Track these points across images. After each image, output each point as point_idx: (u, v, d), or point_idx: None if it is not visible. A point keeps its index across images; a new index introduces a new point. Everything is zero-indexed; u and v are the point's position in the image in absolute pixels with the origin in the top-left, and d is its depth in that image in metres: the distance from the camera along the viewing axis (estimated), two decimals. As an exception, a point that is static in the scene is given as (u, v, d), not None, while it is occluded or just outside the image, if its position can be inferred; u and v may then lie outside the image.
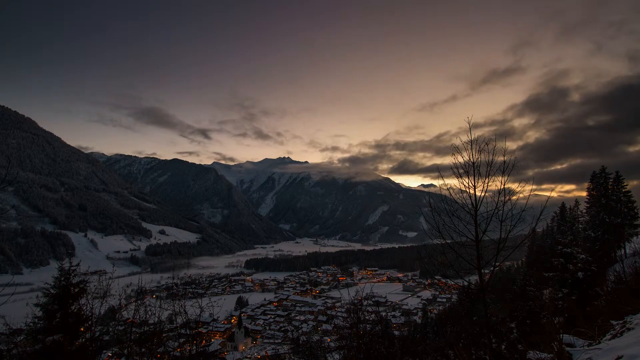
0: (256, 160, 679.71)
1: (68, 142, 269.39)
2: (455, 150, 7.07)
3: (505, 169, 6.73)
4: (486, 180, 6.87)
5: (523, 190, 6.84)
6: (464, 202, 7.06)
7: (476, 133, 6.93)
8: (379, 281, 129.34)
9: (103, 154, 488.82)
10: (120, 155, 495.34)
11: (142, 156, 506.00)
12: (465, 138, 6.97)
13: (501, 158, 6.78)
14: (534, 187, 6.88)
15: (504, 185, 6.78)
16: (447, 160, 7.34)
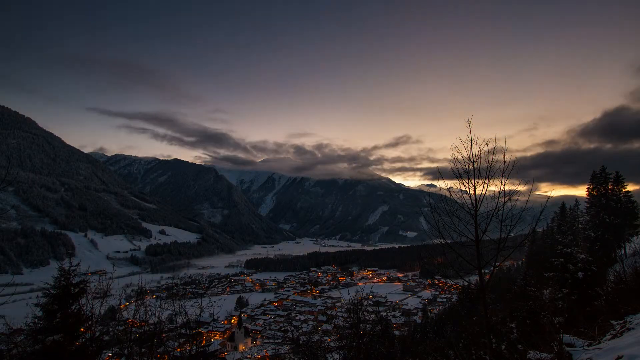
0: (256, 160, 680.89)
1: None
2: (455, 149, 7.06)
3: (506, 169, 6.72)
4: (486, 180, 6.86)
5: (523, 191, 6.83)
6: (464, 202, 7.05)
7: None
8: (379, 281, 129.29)
9: (103, 154, 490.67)
10: (121, 155, 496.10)
11: (141, 156, 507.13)
12: (465, 138, 6.96)
13: (501, 158, 6.76)
14: (535, 186, 6.87)
15: (504, 185, 6.77)
16: (448, 160, 7.34)
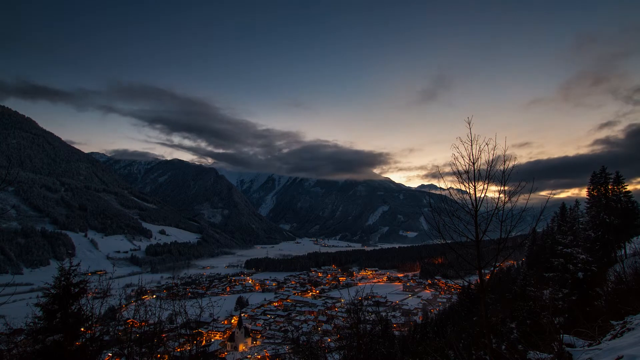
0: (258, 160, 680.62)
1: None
2: (455, 150, 7.05)
3: (506, 169, 6.71)
4: (486, 181, 6.86)
5: (523, 191, 6.82)
6: (464, 202, 7.04)
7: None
8: (379, 281, 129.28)
9: (103, 154, 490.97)
10: (121, 155, 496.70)
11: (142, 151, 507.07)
12: (465, 138, 6.95)
13: (501, 159, 6.75)
14: (535, 187, 6.85)
15: (504, 185, 6.76)
16: (448, 160, 7.32)
